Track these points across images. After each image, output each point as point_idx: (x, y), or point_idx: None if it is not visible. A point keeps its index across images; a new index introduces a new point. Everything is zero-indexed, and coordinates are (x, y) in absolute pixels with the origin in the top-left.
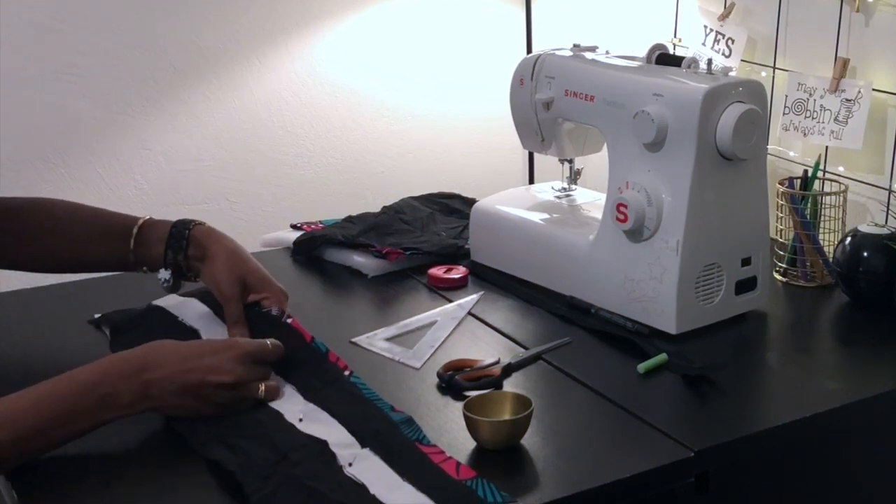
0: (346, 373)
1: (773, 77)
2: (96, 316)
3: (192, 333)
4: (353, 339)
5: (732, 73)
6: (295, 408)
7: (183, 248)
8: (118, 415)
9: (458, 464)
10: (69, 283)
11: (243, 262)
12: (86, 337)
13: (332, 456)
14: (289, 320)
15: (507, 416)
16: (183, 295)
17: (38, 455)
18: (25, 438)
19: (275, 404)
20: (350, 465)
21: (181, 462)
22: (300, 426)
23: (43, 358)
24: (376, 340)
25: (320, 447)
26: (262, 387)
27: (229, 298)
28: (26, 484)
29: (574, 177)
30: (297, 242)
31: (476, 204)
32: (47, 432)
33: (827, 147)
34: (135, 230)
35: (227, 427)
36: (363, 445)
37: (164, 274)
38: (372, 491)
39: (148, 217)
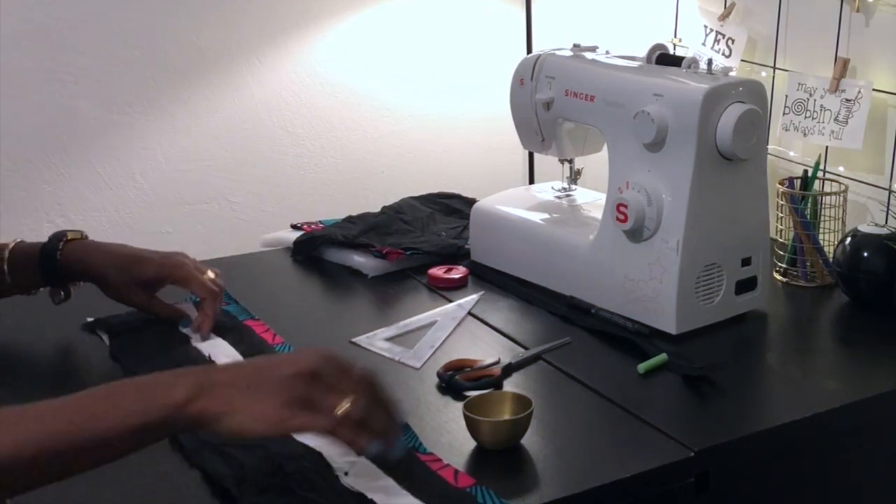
0: None
1: (773, 77)
2: (89, 320)
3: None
4: (353, 339)
5: (732, 73)
6: None
7: (60, 274)
8: (170, 415)
9: (457, 471)
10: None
11: (127, 265)
12: (83, 341)
13: (328, 466)
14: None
15: (507, 416)
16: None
17: (68, 469)
18: (54, 439)
19: None
20: (346, 474)
21: (177, 471)
22: (295, 435)
23: (41, 363)
24: (376, 340)
25: (316, 457)
26: (348, 402)
27: (146, 302)
28: None
29: (574, 177)
30: (297, 242)
31: (476, 204)
32: (96, 424)
33: (827, 147)
34: (6, 255)
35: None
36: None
37: (53, 291)
38: (370, 498)
39: (15, 242)
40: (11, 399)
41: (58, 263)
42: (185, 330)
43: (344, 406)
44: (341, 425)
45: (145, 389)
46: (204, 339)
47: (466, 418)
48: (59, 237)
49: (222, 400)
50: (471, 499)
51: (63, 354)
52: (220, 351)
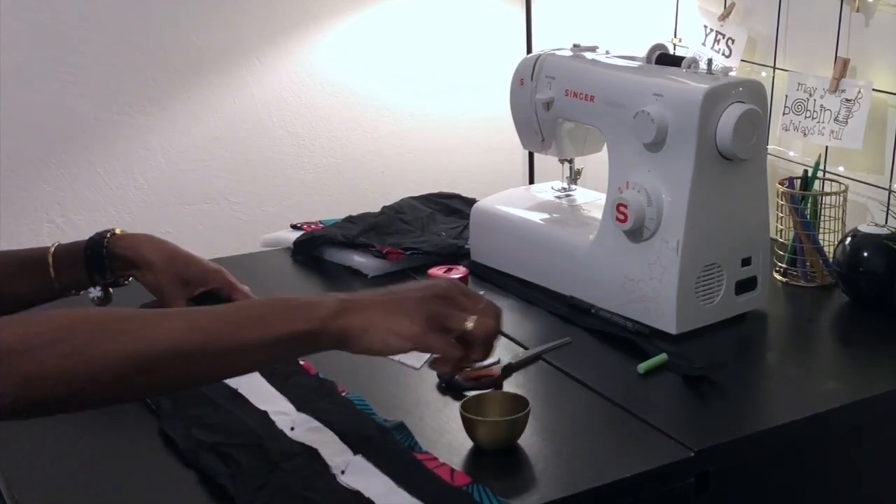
0: (343, 392)
1: (773, 77)
2: None
3: None
4: None
5: (732, 73)
6: (287, 417)
7: (105, 266)
8: (313, 325)
9: (453, 470)
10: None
11: (175, 260)
12: None
13: (325, 464)
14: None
15: (504, 417)
16: None
17: (226, 370)
18: (215, 338)
19: (269, 412)
20: (343, 472)
21: (174, 471)
22: (291, 434)
23: None
24: None
25: (312, 456)
26: (472, 320)
27: (173, 302)
28: (26, 486)
29: (574, 177)
30: (297, 242)
31: (476, 204)
32: (239, 333)
33: (827, 147)
34: (49, 259)
35: (218, 433)
36: (355, 452)
37: (94, 292)
38: (367, 496)
39: (56, 245)
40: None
41: (105, 253)
42: None
43: (468, 324)
44: (461, 358)
45: (293, 304)
46: None
47: (464, 418)
48: (104, 231)
49: (365, 318)
50: (467, 497)
51: None
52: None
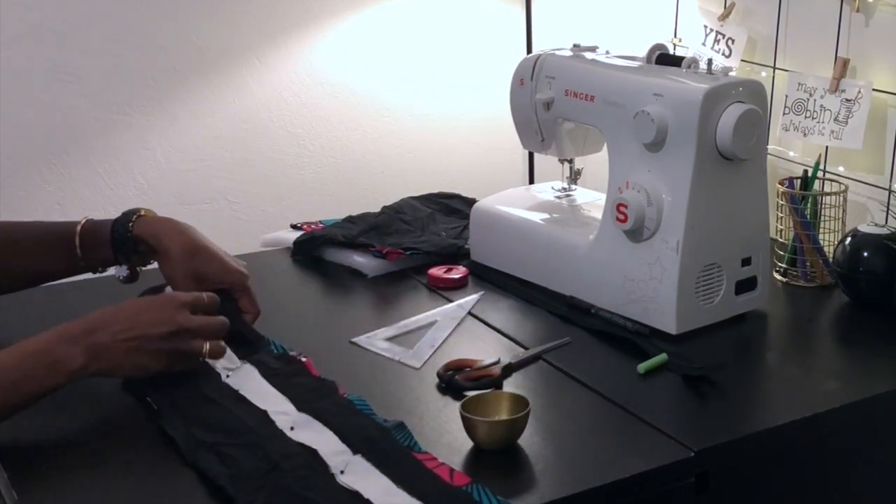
0: (343, 393)
1: (773, 77)
2: None
3: None
4: (353, 339)
5: (732, 73)
6: (287, 417)
7: (130, 248)
8: (68, 379)
9: (452, 470)
10: (38, 290)
11: (194, 254)
12: None
13: (324, 464)
14: (304, 359)
15: (504, 417)
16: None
17: None
18: None
19: (269, 411)
20: (342, 472)
21: (174, 470)
22: (291, 434)
23: None
24: (376, 340)
25: (311, 456)
26: (207, 345)
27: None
28: (26, 486)
29: (574, 177)
30: (297, 242)
31: (476, 204)
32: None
33: (827, 147)
34: (77, 238)
35: (218, 433)
36: (355, 452)
37: (119, 271)
38: (366, 496)
39: (86, 220)
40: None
41: (129, 235)
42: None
43: (205, 350)
44: (203, 359)
45: (42, 360)
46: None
47: (463, 418)
48: (133, 211)
49: (111, 362)
50: (467, 496)
51: None
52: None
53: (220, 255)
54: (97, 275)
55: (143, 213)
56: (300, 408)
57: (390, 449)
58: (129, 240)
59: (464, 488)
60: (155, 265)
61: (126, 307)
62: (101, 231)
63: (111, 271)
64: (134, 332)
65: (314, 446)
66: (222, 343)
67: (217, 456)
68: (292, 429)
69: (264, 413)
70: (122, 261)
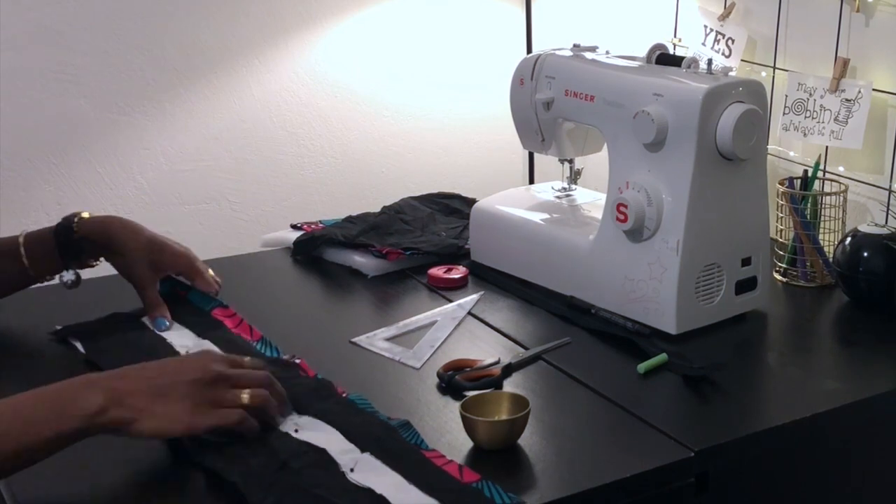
0: (343, 394)
1: (773, 77)
2: (58, 328)
3: (160, 340)
4: (353, 339)
5: (732, 73)
6: (289, 420)
7: (78, 250)
8: (83, 424)
9: (461, 466)
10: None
11: (150, 246)
12: (52, 349)
13: (334, 463)
14: (297, 360)
15: (504, 417)
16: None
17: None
18: None
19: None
20: (352, 470)
21: (180, 470)
22: (296, 435)
23: (12, 373)
24: (376, 340)
25: (319, 454)
26: (247, 393)
27: (147, 286)
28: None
29: (574, 177)
30: (297, 242)
31: (476, 204)
32: (6, 439)
33: (827, 147)
34: (21, 249)
35: (225, 435)
36: (363, 451)
37: (67, 276)
38: (379, 491)
39: (24, 232)
40: None
41: (74, 236)
42: (161, 332)
43: (244, 398)
44: (243, 420)
45: (57, 401)
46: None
47: (463, 418)
48: (72, 215)
49: (134, 407)
50: (477, 493)
51: (36, 363)
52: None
53: (167, 242)
54: (42, 284)
55: (83, 215)
56: (301, 411)
57: (398, 447)
58: (74, 242)
59: (474, 485)
60: (97, 265)
61: (158, 361)
62: (44, 239)
63: (56, 279)
64: (163, 378)
65: (321, 446)
66: (265, 392)
67: (225, 456)
68: (297, 431)
69: None
70: (72, 265)
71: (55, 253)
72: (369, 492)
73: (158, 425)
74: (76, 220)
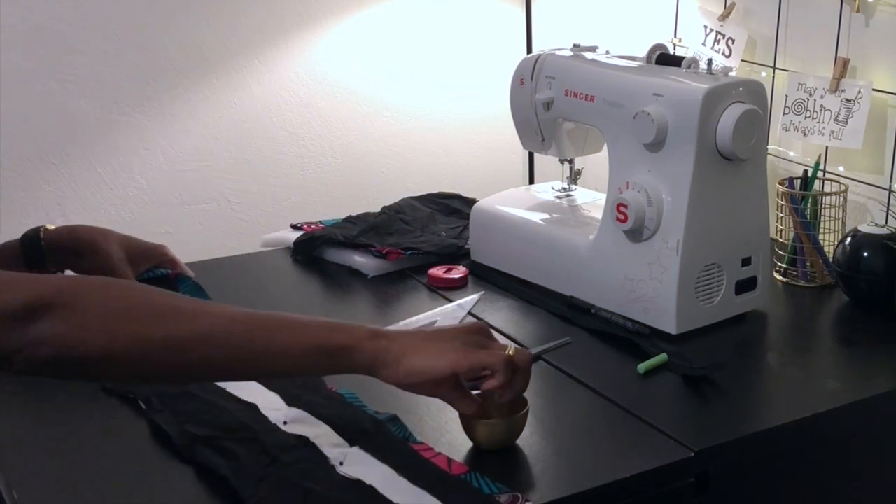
0: (331, 388)
1: (773, 77)
2: None
3: None
4: None
5: (732, 73)
6: (279, 412)
7: (46, 260)
8: (350, 343)
9: (450, 459)
10: None
11: (127, 248)
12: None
13: (323, 456)
14: None
15: (503, 417)
16: None
17: (251, 367)
18: (251, 333)
19: (259, 406)
20: (341, 463)
21: (173, 466)
22: (285, 428)
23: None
24: None
25: (309, 447)
26: (511, 348)
27: (125, 277)
28: (26, 486)
29: (574, 177)
30: (297, 242)
31: (476, 204)
32: (278, 334)
33: (827, 147)
34: None
35: (215, 429)
36: (352, 444)
37: None
38: (368, 483)
39: None
40: None
41: (42, 245)
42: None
43: (510, 350)
44: (507, 366)
45: (332, 322)
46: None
47: (463, 418)
48: (36, 228)
49: (401, 346)
50: (465, 484)
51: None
52: None
53: (137, 240)
54: None
55: (48, 226)
56: (290, 403)
57: (387, 440)
58: (43, 252)
59: (462, 476)
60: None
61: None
62: (11, 251)
63: None
64: (431, 330)
65: (311, 439)
66: (529, 352)
67: (215, 450)
68: (285, 423)
69: (255, 408)
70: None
71: (23, 265)
72: (359, 483)
73: (426, 361)
74: (42, 229)
